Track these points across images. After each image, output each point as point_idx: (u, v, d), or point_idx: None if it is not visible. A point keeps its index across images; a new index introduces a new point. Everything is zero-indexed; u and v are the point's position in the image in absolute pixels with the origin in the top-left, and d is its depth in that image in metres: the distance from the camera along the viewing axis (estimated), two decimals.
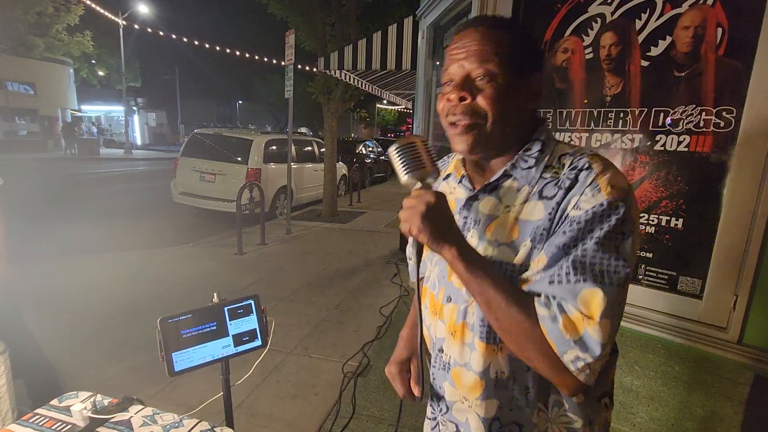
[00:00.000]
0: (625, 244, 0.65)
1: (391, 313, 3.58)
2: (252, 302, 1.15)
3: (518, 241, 0.72)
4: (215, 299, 1.14)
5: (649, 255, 1.84)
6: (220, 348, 1.11)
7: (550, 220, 0.69)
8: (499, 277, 0.70)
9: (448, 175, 0.90)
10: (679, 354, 1.82)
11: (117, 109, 29.23)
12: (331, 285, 4.24)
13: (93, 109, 31.12)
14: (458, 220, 0.81)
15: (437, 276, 0.85)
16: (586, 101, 1.93)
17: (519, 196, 0.74)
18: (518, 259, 0.72)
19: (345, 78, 6.28)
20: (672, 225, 1.76)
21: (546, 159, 0.75)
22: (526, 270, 0.71)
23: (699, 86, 1.65)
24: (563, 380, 0.67)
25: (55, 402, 1.16)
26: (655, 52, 1.72)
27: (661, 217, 1.79)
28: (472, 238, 0.78)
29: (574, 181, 0.69)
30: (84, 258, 4.64)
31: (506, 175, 0.77)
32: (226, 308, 1.12)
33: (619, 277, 0.64)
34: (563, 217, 0.68)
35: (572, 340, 0.63)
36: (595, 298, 0.63)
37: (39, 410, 1.13)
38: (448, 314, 0.81)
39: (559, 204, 0.69)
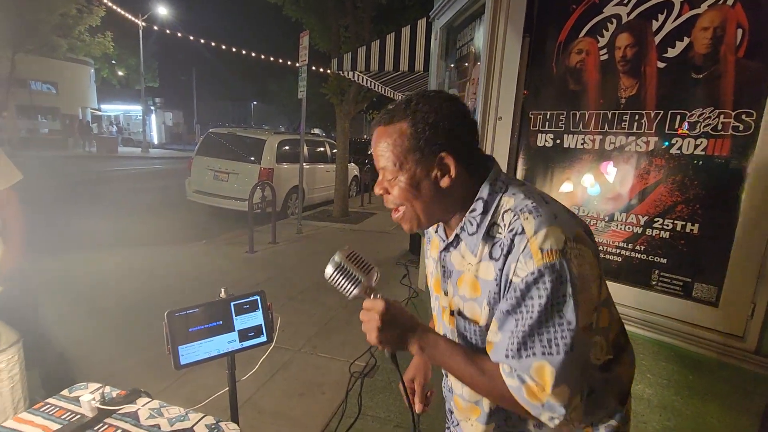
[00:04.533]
0: (566, 307, 0.65)
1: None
2: (258, 298, 1.16)
3: (481, 299, 0.76)
4: (223, 294, 1.15)
5: (663, 260, 1.80)
6: (226, 343, 1.12)
7: (498, 285, 0.72)
8: (463, 356, 0.76)
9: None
10: (693, 362, 1.77)
11: (135, 109, 29.82)
12: None
13: (112, 109, 31.81)
14: (438, 268, 0.88)
15: (436, 312, 0.94)
16: (600, 103, 1.90)
17: (475, 255, 0.78)
18: (482, 320, 0.76)
19: (358, 79, 6.29)
20: (687, 230, 1.72)
21: (489, 219, 0.75)
22: (486, 328, 0.76)
23: (717, 88, 1.61)
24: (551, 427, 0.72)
25: (65, 392, 1.18)
26: (672, 53, 1.69)
27: (676, 222, 1.74)
28: (450, 286, 0.85)
29: (511, 246, 0.70)
30: (99, 253, 4.73)
31: (460, 236, 0.80)
32: (232, 303, 1.13)
33: (566, 343, 0.66)
34: (507, 283, 0.70)
35: (540, 405, 0.68)
36: (545, 371, 0.66)
37: (49, 400, 1.15)
38: None
39: (501, 270, 0.71)
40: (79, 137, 21.54)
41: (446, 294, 0.87)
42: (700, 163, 1.66)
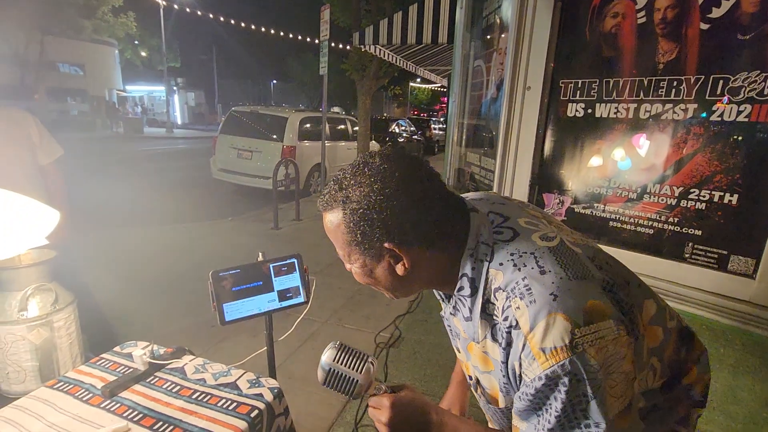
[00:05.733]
0: (589, 407, 0.55)
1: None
2: (295, 261, 1.21)
3: (495, 373, 0.68)
4: (260, 258, 1.20)
5: (698, 233, 1.76)
6: (266, 302, 1.18)
7: (505, 374, 0.64)
8: None
9: None
10: (725, 336, 1.75)
11: (158, 90, 30.28)
12: None
13: (136, 89, 32.40)
14: (446, 324, 0.81)
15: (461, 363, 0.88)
16: (636, 69, 1.83)
17: (476, 340, 0.69)
18: (501, 403, 0.70)
19: (380, 54, 6.20)
20: (725, 201, 1.67)
21: (480, 301, 0.65)
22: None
23: (765, 50, 1.52)
24: None
25: (117, 349, 1.27)
26: (716, 13, 1.60)
27: (713, 192, 1.69)
28: (461, 349, 0.78)
29: (509, 340, 0.61)
30: (131, 230, 4.93)
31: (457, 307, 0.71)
32: (271, 265, 1.18)
33: None
34: (517, 376, 0.61)
35: None
36: None
37: (104, 355, 1.24)
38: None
39: (505, 363, 0.62)
40: (106, 118, 22.11)
41: (460, 352, 0.80)
42: (743, 130, 1.59)
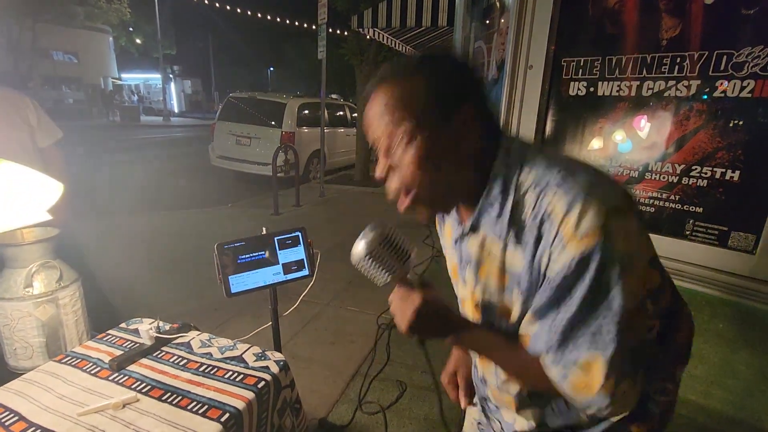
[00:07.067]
0: (611, 295, 0.57)
1: (423, 272, 3.63)
2: (300, 234, 1.21)
3: (509, 291, 0.68)
4: (264, 232, 1.20)
5: (699, 209, 1.76)
6: (271, 275, 1.19)
7: (529, 273, 0.63)
8: (506, 349, 0.69)
9: None
10: (724, 311, 1.77)
11: (154, 77, 29.94)
12: None
13: (132, 77, 32.01)
14: (454, 254, 0.79)
15: (459, 300, 0.85)
16: (639, 46, 1.81)
17: (497, 243, 0.68)
18: (514, 316, 0.69)
19: (378, 38, 6.12)
20: (727, 177, 1.67)
21: (511, 200, 0.64)
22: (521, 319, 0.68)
23: None
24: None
25: (123, 325, 1.29)
26: None
27: (715, 169, 1.69)
28: (469, 275, 0.75)
29: (539, 233, 0.61)
30: (130, 216, 4.93)
31: (479, 220, 0.69)
32: (276, 238, 1.18)
33: (614, 335, 0.58)
34: (541, 274, 0.62)
35: (587, 398, 0.62)
36: (593, 367, 0.60)
37: (110, 331, 1.26)
38: None
39: (532, 258, 0.62)
40: (102, 107, 21.90)
41: (465, 283, 0.78)
42: (746, 106, 1.59)
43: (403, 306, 0.66)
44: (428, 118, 0.62)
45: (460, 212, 0.74)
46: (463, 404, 0.91)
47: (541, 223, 0.60)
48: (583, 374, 0.60)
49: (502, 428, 0.85)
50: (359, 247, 0.65)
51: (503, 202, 0.65)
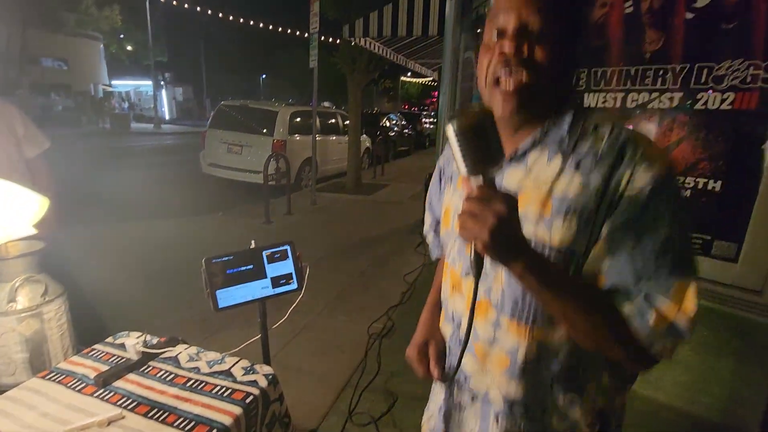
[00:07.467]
0: (690, 215, 0.63)
1: (414, 280, 3.63)
2: (288, 248, 1.21)
3: (552, 219, 0.66)
4: (253, 245, 1.20)
5: None
6: (260, 288, 1.18)
7: (598, 197, 0.63)
8: (572, 284, 0.65)
9: None
10: (709, 319, 1.79)
11: (145, 84, 29.74)
12: (356, 253, 4.33)
13: (122, 84, 31.80)
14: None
15: (457, 251, 0.81)
16: (623, 60, 1.86)
17: (550, 168, 0.67)
18: (557, 240, 0.65)
19: (370, 47, 6.17)
20: (709, 187, 1.71)
21: (580, 128, 0.68)
22: (566, 251, 0.65)
23: (748, 39, 1.55)
24: (639, 365, 0.67)
25: (110, 339, 1.27)
26: (701, 2, 1.63)
27: (698, 179, 1.73)
28: None
29: (618, 156, 0.63)
30: (120, 224, 4.87)
31: (535, 144, 0.70)
32: (264, 252, 1.18)
33: (694, 257, 0.61)
34: (617, 197, 0.62)
35: (662, 331, 0.60)
36: (690, 290, 0.59)
37: (96, 346, 1.24)
38: (468, 289, 0.77)
39: (606, 181, 0.62)
40: (92, 114, 21.70)
41: None
42: (726, 118, 1.63)
43: (484, 210, 0.55)
44: (571, 22, 0.68)
45: (506, 143, 0.66)
46: (435, 375, 0.84)
47: (623, 144, 0.64)
48: (675, 301, 0.59)
49: (473, 398, 0.80)
50: (458, 123, 0.56)
51: (574, 126, 0.68)
